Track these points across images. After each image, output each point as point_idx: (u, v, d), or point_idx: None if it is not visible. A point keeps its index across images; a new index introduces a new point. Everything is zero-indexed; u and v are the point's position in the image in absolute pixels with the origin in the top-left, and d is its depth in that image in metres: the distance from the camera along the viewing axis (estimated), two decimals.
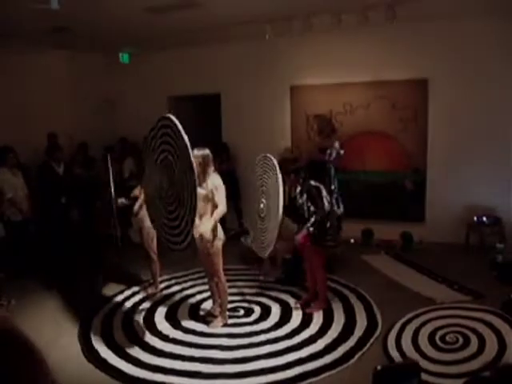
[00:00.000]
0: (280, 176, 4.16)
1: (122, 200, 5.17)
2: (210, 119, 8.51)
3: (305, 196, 4.47)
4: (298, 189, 4.53)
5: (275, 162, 4.27)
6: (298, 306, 4.78)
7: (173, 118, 3.63)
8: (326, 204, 4.51)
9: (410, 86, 6.87)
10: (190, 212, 3.46)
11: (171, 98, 8.69)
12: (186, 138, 3.43)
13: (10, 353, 0.65)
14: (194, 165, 3.45)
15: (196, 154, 4.04)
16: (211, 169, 4.16)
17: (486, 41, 6.31)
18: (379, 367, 0.90)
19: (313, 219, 4.43)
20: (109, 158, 5.18)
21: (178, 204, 3.60)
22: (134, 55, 8.27)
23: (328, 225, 4.56)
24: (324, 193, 4.53)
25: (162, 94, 8.58)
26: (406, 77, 6.83)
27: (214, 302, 4.68)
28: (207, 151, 4.15)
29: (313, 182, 4.53)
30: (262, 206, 4.41)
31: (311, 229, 4.44)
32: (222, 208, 4.10)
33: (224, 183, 4.25)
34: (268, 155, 4.42)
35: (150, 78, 8.59)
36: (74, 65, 8.05)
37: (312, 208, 4.45)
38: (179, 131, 3.48)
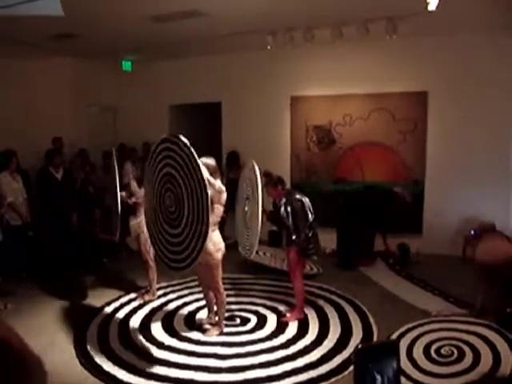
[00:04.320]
0: (260, 182, 4.22)
1: (122, 193, 5.20)
2: (210, 127, 8.56)
3: (289, 208, 4.48)
4: (283, 200, 4.53)
5: (256, 168, 4.31)
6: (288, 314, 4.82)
7: (183, 138, 3.55)
8: (310, 216, 4.52)
9: (409, 98, 6.94)
10: (199, 237, 3.44)
11: (173, 106, 8.75)
12: (198, 160, 3.39)
13: (3, 364, 0.63)
14: (209, 192, 3.41)
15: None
16: (216, 179, 4.16)
17: (486, 54, 6.40)
18: (360, 346, 0.93)
19: (302, 235, 4.45)
20: (114, 154, 5.19)
21: (185, 226, 3.55)
22: (137, 63, 8.33)
23: (310, 234, 4.55)
24: (307, 205, 4.54)
25: (163, 102, 8.65)
26: (406, 89, 6.90)
27: (209, 311, 4.68)
28: (210, 160, 4.16)
29: (298, 196, 4.54)
30: (246, 208, 4.45)
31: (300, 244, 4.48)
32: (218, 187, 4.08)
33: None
34: (253, 162, 4.46)
35: (152, 86, 8.65)
36: (76, 71, 8.11)
37: (293, 221, 4.45)
38: (191, 153, 3.41)
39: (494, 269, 4.37)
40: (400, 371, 0.95)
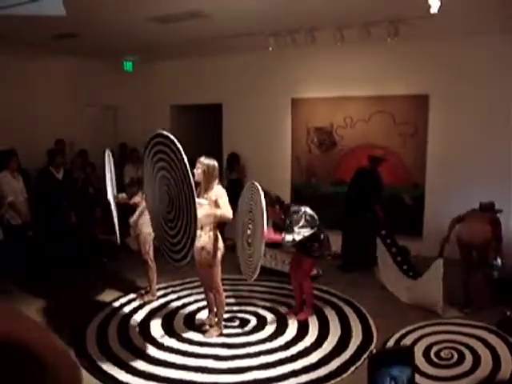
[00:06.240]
0: (264, 203, 4.09)
1: (122, 195, 5.19)
2: (211, 128, 8.57)
3: (288, 222, 4.52)
4: (282, 218, 4.58)
5: (260, 189, 4.20)
6: (290, 314, 4.87)
7: (168, 134, 3.61)
8: (311, 221, 4.54)
9: (410, 101, 6.94)
10: (189, 230, 3.46)
11: (174, 106, 8.76)
12: (182, 150, 3.42)
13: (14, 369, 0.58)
14: (192, 179, 3.44)
15: (202, 161, 4.07)
16: (215, 180, 4.14)
17: (487, 58, 6.40)
18: (375, 351, 0.93)
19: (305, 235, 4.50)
20: (108, 153, 5.19)
21: (178, 220, 3.60)
22: (138, 63, 8.34)
23: (322, 236, 4.60)
24: (306, 213, 4.53)
25: (164, 102, 8.66)
26: (407, 92, 6.90)
27: (209, 312, 4.68)
28: (213, 161, 4.15)
29: (294, 208, 4.56)
30: (249, 231, 4.38)
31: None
32: (223, 211, 4.02)
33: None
34: (255, 182, 4.32)
35: (153, 86, 8.66)
36: (76, 71, 8.11)
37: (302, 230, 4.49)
38: (175, 144, 3.47)
39: (474, 250, 4.87)
40: (414, 378, 0.94)
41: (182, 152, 3.43)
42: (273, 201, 4.53)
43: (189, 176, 3.41)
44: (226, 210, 4.05)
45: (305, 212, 4.53)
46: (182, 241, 3.60)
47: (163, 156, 3.68)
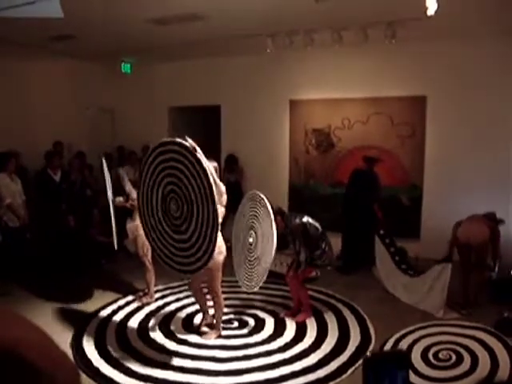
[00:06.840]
0: (273, 217, 4.12)
1: (119, 198, 5.18)
2: (209, 130, 8.57)
3: (290, 238, 4.59)
4: (285, 229, 4.60)
5: (266, 201, 4.20)
6: (288, 316, 4.86)
7: (185, 143, 3.53)
8: (315, 233, 4.58)
9: (408, 102, 6.96)
10: (208, 238, 3.44)
11: (172, 108, 8.76)
12: (205, 164, 3.38)
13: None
14: (216, 195, 3.39)
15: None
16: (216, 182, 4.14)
17: (485, 59, 6.41)
18: (369, 354, 0.93)
19: (302, 258, 4.58)
20: (104, 160, 5.22)
21: (194, 231, 3.54)
22: (136, 65, 8.35)
23: (323, 245, 4.62)
24: (307, 225, 4.57)
25: (162, 104, 8.66)
26: (405, 93, 6.92)
27: (203, 315, 4.66)
28: (212, 163, 4.14)
29: (297, 220, 4.58)
30: (251, 240, 4.38)
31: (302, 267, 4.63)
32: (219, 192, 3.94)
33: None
34: (258, 193, 4.33)
35: (152, 88, 8.67)
36: (75, 73, 8.10)
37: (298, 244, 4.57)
38: (197, 158, 3.39)
39: (472, 250, 4.87)
40: (409, 382, 0.94)
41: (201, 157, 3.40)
42: (274, 212, 4.57)
43: (210, 183, 3.35)
44: (219, 185, 4.00)
45: (306, 222, 4.55)
46: (198, 251, 3.54)
47: (173, 160, 3.57)
